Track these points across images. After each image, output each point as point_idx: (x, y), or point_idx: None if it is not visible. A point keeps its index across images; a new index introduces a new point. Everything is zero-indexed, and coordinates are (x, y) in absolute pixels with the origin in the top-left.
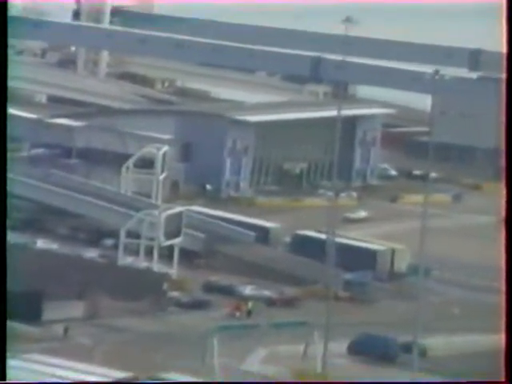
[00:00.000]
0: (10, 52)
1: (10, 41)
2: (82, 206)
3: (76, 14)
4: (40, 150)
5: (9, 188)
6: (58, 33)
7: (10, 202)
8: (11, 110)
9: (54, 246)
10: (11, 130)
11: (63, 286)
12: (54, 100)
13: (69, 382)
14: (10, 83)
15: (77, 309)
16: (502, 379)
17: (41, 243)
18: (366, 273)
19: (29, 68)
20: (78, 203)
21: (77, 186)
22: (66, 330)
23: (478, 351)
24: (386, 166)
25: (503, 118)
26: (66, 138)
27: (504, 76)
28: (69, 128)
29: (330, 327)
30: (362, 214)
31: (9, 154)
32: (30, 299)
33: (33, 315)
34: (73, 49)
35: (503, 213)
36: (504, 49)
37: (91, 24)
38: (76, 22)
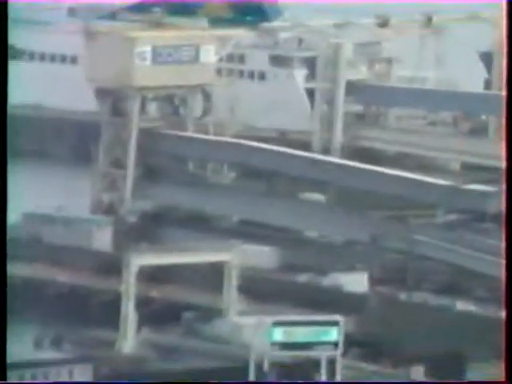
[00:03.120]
0: None
1: None
2: (491, 267)
3: None
4: (454, 215)
5: (427, 252)
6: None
7: (429, 265)
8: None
9: (472, 307)
10: (427, 197)
11: (483, 346)
12: (467, 167)
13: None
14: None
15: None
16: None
17: (460, 305)
18: None
19: (442, 137)
20: (491, 265)
21: (489, 248)
22: None
23: None
24: None
25: None
26: (480, 203)
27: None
28: (482, 193)
29: None
30: None
31: (425, 220)
32: (453, 360)
33: (456, 375)
34: (483, 117)
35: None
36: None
37: None
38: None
